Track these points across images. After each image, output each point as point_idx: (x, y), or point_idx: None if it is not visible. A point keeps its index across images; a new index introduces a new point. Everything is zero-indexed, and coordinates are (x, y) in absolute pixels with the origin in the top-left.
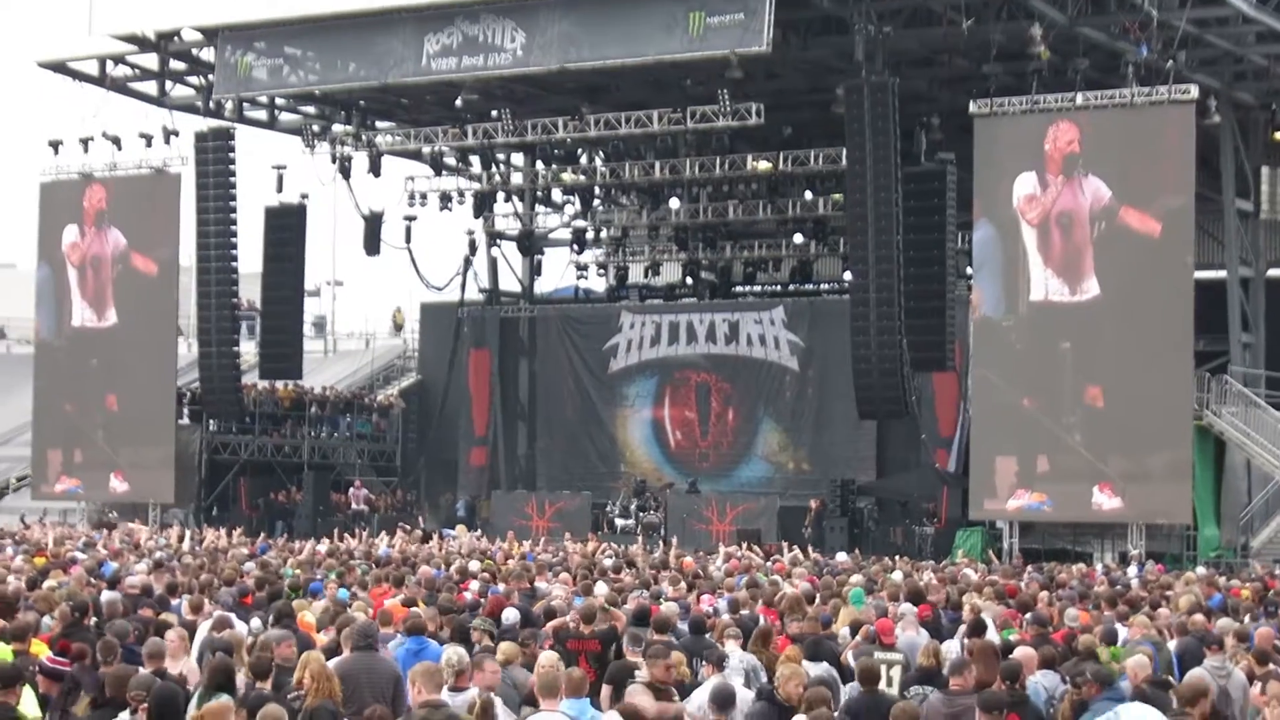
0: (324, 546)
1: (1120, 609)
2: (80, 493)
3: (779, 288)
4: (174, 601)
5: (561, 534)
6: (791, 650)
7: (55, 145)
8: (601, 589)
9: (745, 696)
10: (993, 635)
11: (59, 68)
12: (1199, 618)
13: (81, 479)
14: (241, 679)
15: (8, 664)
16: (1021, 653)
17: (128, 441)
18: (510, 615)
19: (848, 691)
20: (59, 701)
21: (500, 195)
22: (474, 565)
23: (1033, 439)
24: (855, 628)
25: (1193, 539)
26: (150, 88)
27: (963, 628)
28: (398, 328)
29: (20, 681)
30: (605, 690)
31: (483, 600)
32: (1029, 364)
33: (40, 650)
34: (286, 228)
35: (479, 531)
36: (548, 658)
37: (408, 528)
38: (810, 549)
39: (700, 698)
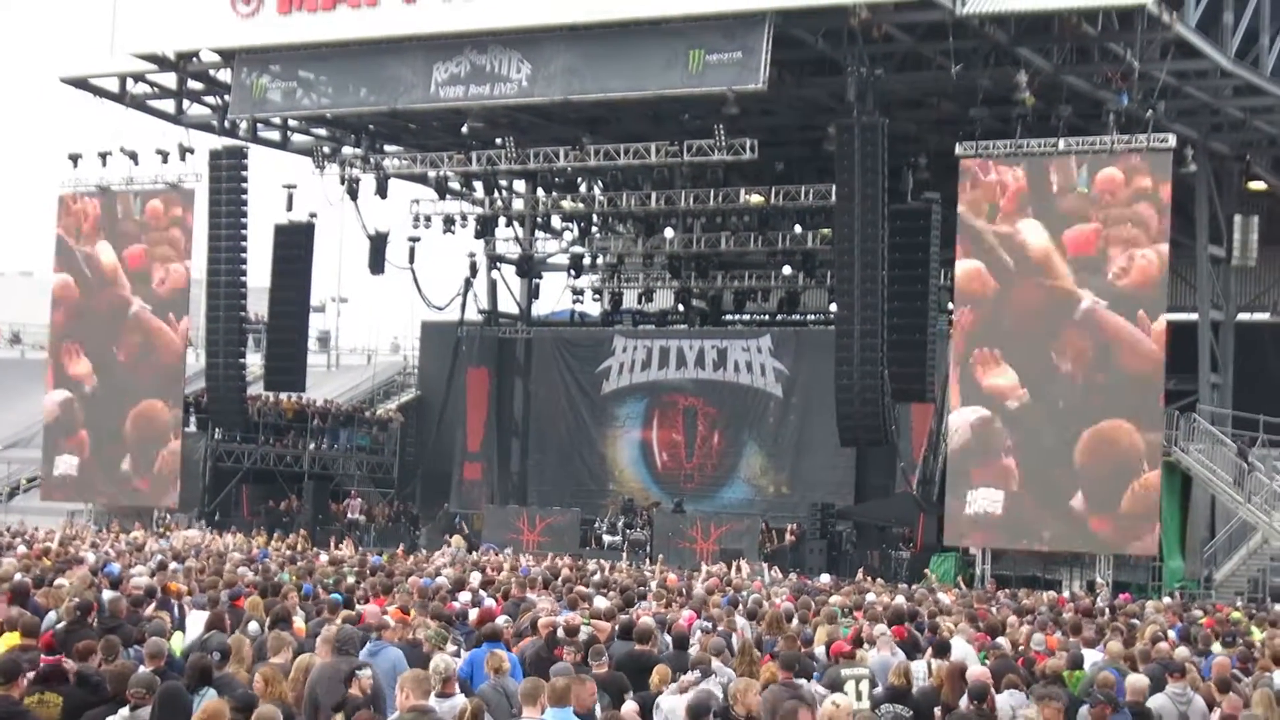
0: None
1: (1087, 635)
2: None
3: (767, 317)
4: (173, 603)
5: (550, 548)
6: (772, 666)
7: (74, 159)
8: (601, 603)
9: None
10: (971, 656)
11: (81, 84)
12: (1163, 646)
13: (98, 481)
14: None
15: (8, 659)
16: (979, 671)
17: (144, 447)
18: (500, 622)
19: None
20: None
21: (501, 220)
22: (475, 578)
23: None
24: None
25: (1158, 570)
26: (168, 106)
27: (929, 649)
28: None
29: (20, 675)
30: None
31: (471, 610)
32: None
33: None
34: (295, 245)
35: (485, 547)
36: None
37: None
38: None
39: (672, 704)
